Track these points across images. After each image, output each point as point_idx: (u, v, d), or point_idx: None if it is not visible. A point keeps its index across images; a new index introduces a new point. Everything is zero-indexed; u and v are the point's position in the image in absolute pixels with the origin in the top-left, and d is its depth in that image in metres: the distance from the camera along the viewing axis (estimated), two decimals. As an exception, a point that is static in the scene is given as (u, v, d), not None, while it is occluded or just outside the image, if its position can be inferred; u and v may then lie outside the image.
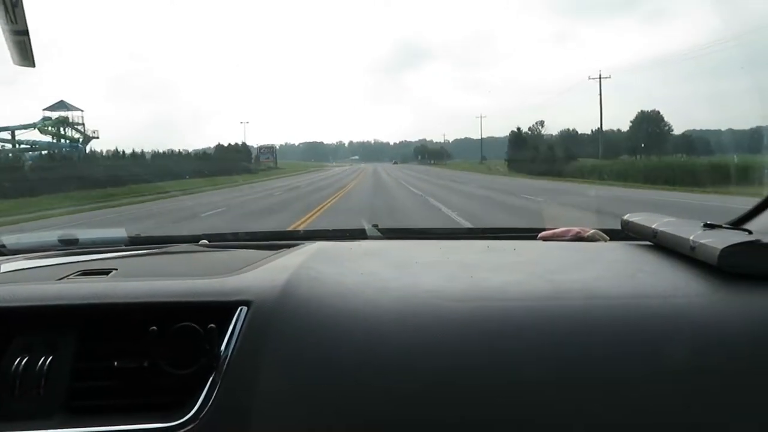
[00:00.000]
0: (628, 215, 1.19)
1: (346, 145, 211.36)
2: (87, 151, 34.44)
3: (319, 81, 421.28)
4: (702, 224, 0.93)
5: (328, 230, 1.48)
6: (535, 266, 0.96)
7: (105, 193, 18.42)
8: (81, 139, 35.29)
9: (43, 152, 31.38)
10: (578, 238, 1.24)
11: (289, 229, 4.87)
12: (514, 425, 0.66)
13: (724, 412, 0.66)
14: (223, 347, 0.72)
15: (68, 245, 1.31)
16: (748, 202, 1.02)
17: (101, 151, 35.00)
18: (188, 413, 0.67)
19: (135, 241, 1.38)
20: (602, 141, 38.67)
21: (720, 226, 0.91)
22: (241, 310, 0.75)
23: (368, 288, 0.83)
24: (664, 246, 1.00)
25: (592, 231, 1.25)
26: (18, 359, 0.72)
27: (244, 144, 56.03)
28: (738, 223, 0.97)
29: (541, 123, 55.61)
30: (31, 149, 32.44)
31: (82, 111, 35.39)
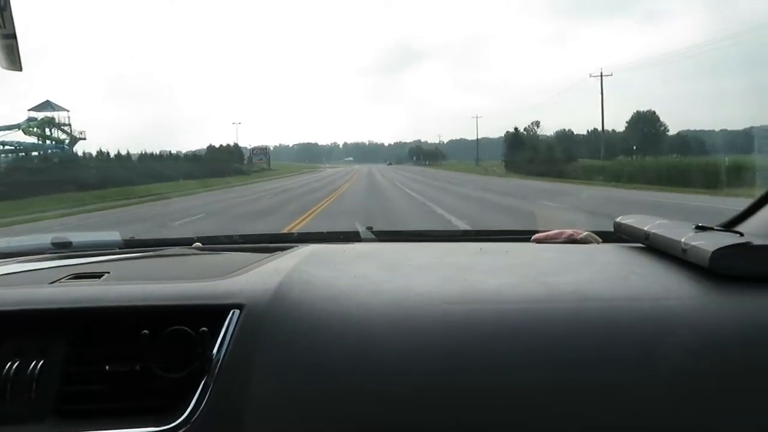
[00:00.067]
0: (620, 217, 1.19)
1: (341, 146, 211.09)
2: (73, 153, 33.54)
3: (314, 82, 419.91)
4: (694, 226, 0.93)
5: (322, 233, 1.46)
6: (528, 268, 0.95)
7: (74, 198, 17.27)
8: (67, 141, 34.54)
9: (25, 154, 30.51)
10: (571, 240, 1.24)
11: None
12: (509, 428, 0.66)
13: (717, 415, 0.66)
14: (215, 351, 0.71)
15: (61, 248, 1.29)
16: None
17: (86, 153, 34.14)
18: (180, 417, 0.67)
19: (129, 244, 1.37)
20: (604, 141, 38.13)
21: (712, 228, 0.92)
22: (233, 313, 0.75)
23: (361, 291, 0.82)
24: (656, 248, 0.99)
25: (585, 233, 1.25)
26: (9, 363, 0.71)
27: (236, 145, 55.24)
28: (729, 225, 0.97)
29: (537, 123, 55.29)
30: (15, 151, 31.60)
31: (68, 111, 34.84)
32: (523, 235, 1.34)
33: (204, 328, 0.72)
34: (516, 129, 51.08)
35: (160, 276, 0.96)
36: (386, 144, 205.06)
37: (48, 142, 33.93)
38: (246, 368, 0.70)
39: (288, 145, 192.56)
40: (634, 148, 42.42)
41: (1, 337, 0.73)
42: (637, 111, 53.19)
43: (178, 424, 0.67)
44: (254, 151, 57.22)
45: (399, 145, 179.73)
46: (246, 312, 0.75)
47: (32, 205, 14.98)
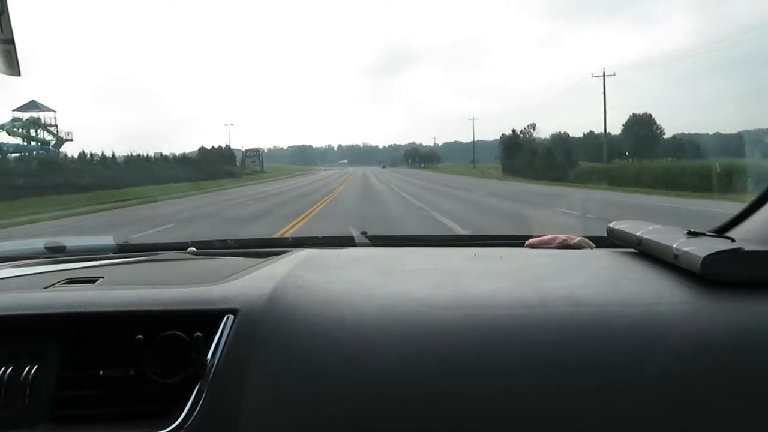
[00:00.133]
0: (613, 223, 1.18)
1: (335, 148, 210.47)
2: (56, 155, 32.48)
3: (309, 84, 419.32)
4: (686, 232, 0.93)
5: (317, 237, 1.47)
6: (522, 273, 0.96)
7: (44, 202, 15.82)
8: (54, 142, 33.66)
9: (2, 156, 29.45)
10: (565, 245, 1.24)
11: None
12: None
13: (709, 420, 0.66)
14: (209, 356, 0.72)
15: (55, 253, 1.29)
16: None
17: (68, 155, 32.96)
18: (174, 422, 0.67)
19: (123, 249, 1.36)
20: (606, 144, 37.44)
21: (703, 234, 0.92)
22: (227, 318, 0.75)
23: (355, 296, 0.82)
24: (648, 254, 1.00)
25: (578, 238, 1.25)
26: (3, 368, 0.71)
27: (228, 147, 54.39)
28: (721, 231, 0.97)
29: (533, 126, 54.97)
30: (-1, 152, 30.65)
31: (54, 112, 34.13)
32: (516, 240, 1.34)
33: (198, 333, 0.71)
34: (514, 131, 50.58)
35: (155, 281, 0.96)
36: (381, 146, 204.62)
37: (33, 143, 33.00)
38: (240, 373, 0.70)
39: (282, 148, 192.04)
40: (626, 153, 41.81)
41: None
42: (634, 114, 52.92)
43: (173, 429, 0.67)
44: (247, 154, 56.83)
45: (393, 148, 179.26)
46: (240, 317, 0.75)
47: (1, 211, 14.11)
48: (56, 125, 33.87)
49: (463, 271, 0.98)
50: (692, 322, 0.74)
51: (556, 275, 0.95)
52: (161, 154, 37.99)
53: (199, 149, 50.09)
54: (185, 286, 0.85)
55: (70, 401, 0.71)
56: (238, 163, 51.19)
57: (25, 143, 32.76)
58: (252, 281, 0.88)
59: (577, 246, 1.23)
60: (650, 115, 53.15)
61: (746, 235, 0.90)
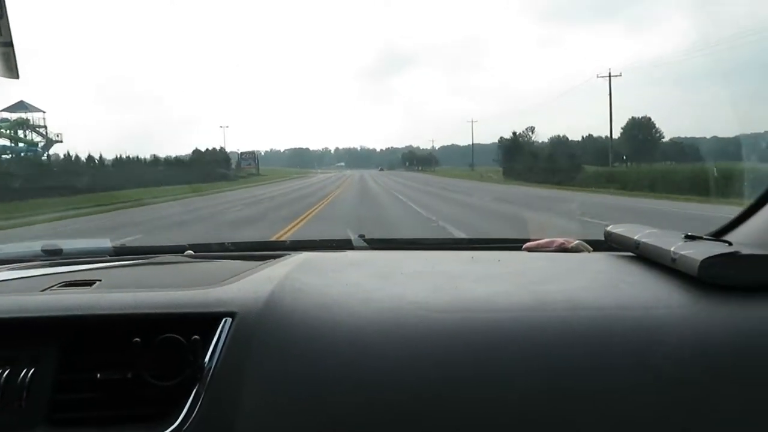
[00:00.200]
0: (611, 226, 1.18)
1: (332, 151, 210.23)
2: (42, 156, 31.76)
3: (306, 87, 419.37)
4: (683, 235, 0.93)
5: (314, 240, 1.46)
6: (519, 277, 0.96)
7: (20, 207, 14.94)
8: (43, 143, 32.97)
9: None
10: (562, 249, 1.24)
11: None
12: None
13: (707, 423, 0.66)
14: (207, 359, 0.71)
15: (52, 256, 1.29)
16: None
17: (52, 156, 32.14)
18: (172, 425, 0.67)
19: (120, 252, 1.36)
20: (612, 146, 36.70)
21: (701, 238, 0.92)
22: (225, 321, 0.75)
23: (353, 299, 0.82)
24: (646, 257, 0.99)
25: (576, 242, 1.25)
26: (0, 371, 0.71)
27: (222, 149, 53.65)
28: (718, 235, 0.97)
29: (532, 129, 54.58)
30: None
31: (44, 112, 33.39)
32: (514, 244, 1.34)
33: (196, 336, 0.71)
34: (514, 133, 50.11)
35: (152, 284, 0.96)
36: (378, 149, 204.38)
37: (21, 144, 32.26)
38: (238, 377, 0.69)
39: (279, 150, 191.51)
40: (623, 157, 41.18)
41: None
42: (633, 117, 52.49)
43: None
44: (243, 156, 56.41)
45: (391, 151, 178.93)
46: (238, 320, 0.75)
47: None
48: (45, 126, 33.21)
49: (460, 274, 0.98)
50: (690, 325, 0.74)
51: (554, 278, 0.94)
52: (154, 156, 37.32)
53: (193, 151, 49.36)
54: (182, 289, 0.84)
55: (68, 404, 0.70)
56: (233, 166, 50.54)
57: (12, 144, 31.99)
58: (249, 284, 0.88)
59: (575, 249, 1.23)
60: (649, 119, 52.84)
61: (743, 239, 0.90)
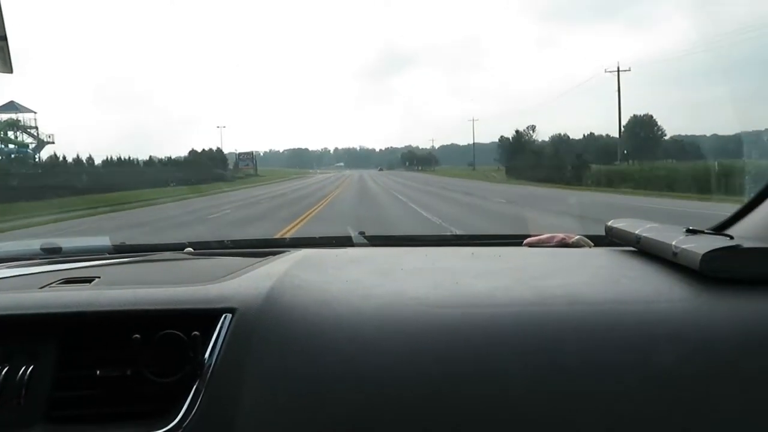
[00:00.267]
0: (612, 221, 1.18)
1: (332, 151, 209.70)
2: (31, 158, 31.00)
3: (305, 87, 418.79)
4: (684, 230, 0.93)
5: (314, 237, 1.46)
6: (520, 272, 0.95)
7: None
8: (34, 144, 32.36)
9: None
10: (563, 244, 1.24)
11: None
12: (502, 431, 0.66)
13: (709, 416, 0.66)
14: (207, 355, 0.71)
15: (51, 254, 1.28)
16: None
17: (39, 158, 31.17)
18: (172, 421, 0.67)
19: (119, 249, 1.36)
20: (611, 143, 35.98)
21: (702, 232, 0.92)
22: (225, 317, 0.75)
23: (353, 295, 0.82)
24: (647, 252, 0.99)
25: (576, 237, 1.25)
26: None
27: (219, 150, 52.91)
28: (720, 229, 0.97)
29: (533, 128, 53.82)
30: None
31: (35, 113, 32.74)
32: (514, 240, 1.33)
33: (196, 333, 0.71)
34: (517, 131, 49.48)
35: (152, 280, 0.96)
36: (377, 149, 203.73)
37: (11, 145, 31.58)
38: (238, 373, 0.69)
39: (278, 151, 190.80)
40: (625, 152, 40.39)
41: None
42: (634, 115, 51.87)
43: (170, 429, 0.66)
44: (240, 157, 55.80)
45: (390, 151, 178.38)
46: (238, 316, 0.75)
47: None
48: (36, 127, 32.58)
49: (461, 270, 0.97)
50: (692, 318, 0.74)
51: (555, 274, 0.94)
52: (150, 157, 36.59)
53: (190, 152, 48.63)
54: (182, 286, 0.84)
55: (67, 401, 0.70)
56: (231, 167, 49.92)
57: (2, 145, 31.29)
58: (249, 280, 0.87)
59: (576, 245, 1.23)
60: (651, 116, 52.25)
61: (745, 233, 0.90)
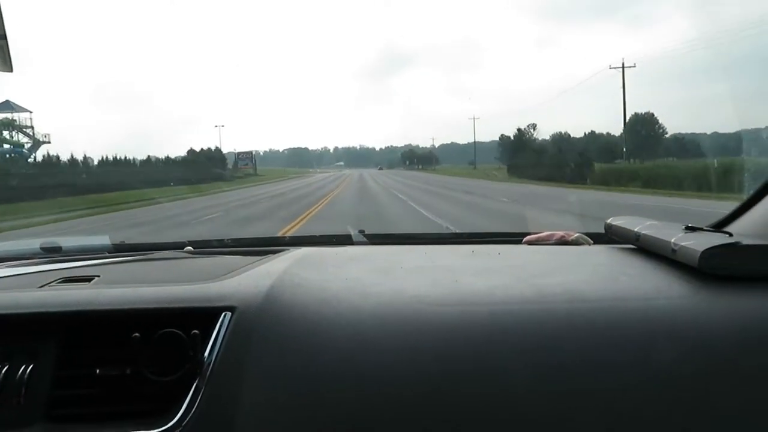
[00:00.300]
0: (611, 219, 1.18)
1: (332, 151, 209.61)
2: (25, 158, 30.68)
3: (305, 86, 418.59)
4: (683, 227, 0.93)
5: (314, 236, 1.46)
6: (519, 270, 0.95)
7: None
8: (30, 144, 32.07)
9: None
10: (563, 242, 1.23)
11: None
12: (502, 430, 0.66)
13: (708, 414, 0.66)
14: (206, 353, 0.71)
15: (51, 253, 1.28)
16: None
17: (34, 158, 30.78)
18: (172, 420, 0.67)
19: (119, 248, 1.35)
20: (612, 142, 35.65)
21: (701, 229, 0.92)
22: (224, 316, 0.75)
23: (352, 294, 0.82)
24: (646, 249, 0.99)
25: (576, 235, 1.24)
26: None
27: (218, 149, 52.63)
28: (719, 226, 0.97)
29: (533, 126, 53.67)
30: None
31: (30, 113, 32.49)
32: (514, 237, 1.33)
33: (195, 331, 0.71)
34: (519, 130, 49.27)
35: (151, 279, 0.95)
36: (377, 148, 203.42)
37: (7, 145, 31.34)
38: (237, 371, 0.69)
39: (278, 150, 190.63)
40: (624, 150, 40.10)
41: None
42: (636, 113, 51.61)
43: (170, 427, 0.66)
44: (239, 156, 55.60)
45: (390, 150, 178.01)
46: (237, 315, 0.75)
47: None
48: (32, 127, 32.33)
49: (460, 268, 0.97)
50: (691, 315, 0.74)
51: (554, 271, 0.94)
52: (148, 156, 36.31)
53: (188, 152, 48.31)
54: (182, 284, 0.84)
55: (66, 400, 0.70)
56: (230, 166, 49.67)
57: (-3, 145, 31.09)
58: (249, 279, 0.87)
59: (575, 242, 1.22)
60: (652, 114, 52.00)
61: (744, 230, 0.90)
